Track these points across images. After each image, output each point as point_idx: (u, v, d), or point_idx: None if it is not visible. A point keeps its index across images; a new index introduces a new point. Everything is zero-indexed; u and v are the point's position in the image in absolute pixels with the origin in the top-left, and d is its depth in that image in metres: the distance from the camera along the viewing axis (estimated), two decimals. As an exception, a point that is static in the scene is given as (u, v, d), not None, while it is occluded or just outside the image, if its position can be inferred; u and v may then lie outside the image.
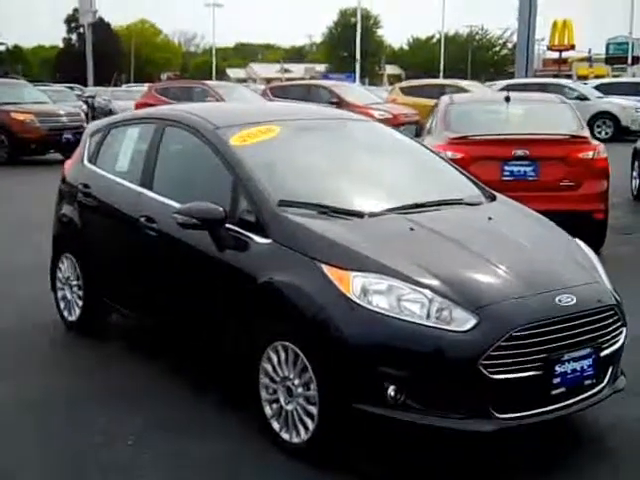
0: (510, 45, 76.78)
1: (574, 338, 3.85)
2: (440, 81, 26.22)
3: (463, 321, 3.69)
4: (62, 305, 6.03)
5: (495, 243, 4.30)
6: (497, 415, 3.71)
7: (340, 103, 21.03)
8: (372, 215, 4.35)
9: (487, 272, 3.97)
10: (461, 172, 5.28)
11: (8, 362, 5.38)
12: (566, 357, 3.81)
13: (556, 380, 3.80)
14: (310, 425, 3.91)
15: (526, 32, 25.00)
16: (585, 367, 3.90)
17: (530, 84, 22.04)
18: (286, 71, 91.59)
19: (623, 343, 4.18)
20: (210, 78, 63.53)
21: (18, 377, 5.10)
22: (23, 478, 3.88)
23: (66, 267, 5.95)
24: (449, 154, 8.29)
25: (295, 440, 3.99)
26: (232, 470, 3.93)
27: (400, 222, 4.29)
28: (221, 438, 4.21)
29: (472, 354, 3.63)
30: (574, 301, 3.89)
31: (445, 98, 9.82)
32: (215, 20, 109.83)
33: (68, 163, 6.24)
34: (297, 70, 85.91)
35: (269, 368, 4.10)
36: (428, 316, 3.70)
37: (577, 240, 4.67)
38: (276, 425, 4.09)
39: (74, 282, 5.85)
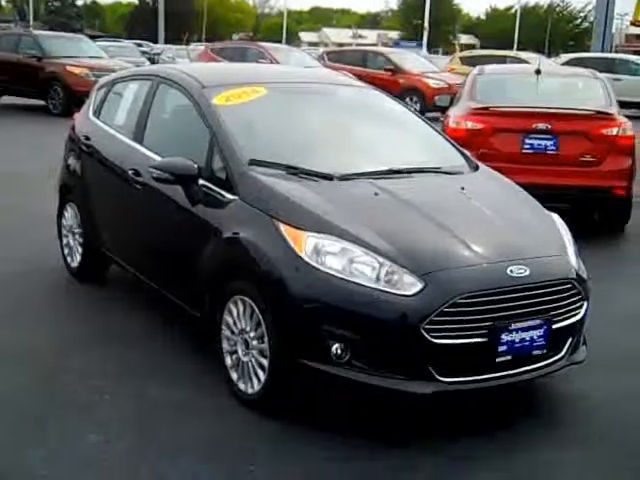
0: (592, 18, 74.83)
1: (524, 308, 3.87)
2: (500, 52, 25.69)
3: (409, 286, 3.74)
4: (66, 251, 6.26)
5: (459, 212, 4.32)
6: (440, 379, 3.77)
7: (395, 70, 20.96)
8: (342, 178, 4.41)
9: (441, 240, 4.00)
10: (449, 142, 5.28)
11: (8, 304, 5.60)
12: (513, 326, 3.84)
13: (502, 348, 3.83)
14: (262, 377, 4.03)
15: (604, 5, 24.36)
16: (535, 337, 3.93)
17: (596, 58, 21.55)
18: (359, 37, 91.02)
19: (583, 317, 4.20)
20: (281, 41, 63.66)
21: (13, 320, 5.34)
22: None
23: (69, 215, 6.15)
24: (469, 124, 8.30)
25: (249, 391, 4.12)
26: (187, 412, 4.09)
27: (367, 187, 4.34)
28: (182, 385, 4.36)
29: (415, 318, 3.68)
30: (526, 272, 3.91)
31: (476, 69, 9.72)
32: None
33: (77, 115, 6.42)
34: (370, 36, 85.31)
35: (230, 320, 4.22)
36: (378, 279, 3.76)
37: (553, 216, 4.65)
38: (234, 375, 4.22)
39: (76, 230, 6.05)
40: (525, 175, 8.02)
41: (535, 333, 3.92)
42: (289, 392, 4.04)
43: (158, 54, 35.41)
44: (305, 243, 3.88)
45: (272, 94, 5.03)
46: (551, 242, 4.31)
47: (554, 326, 3.99)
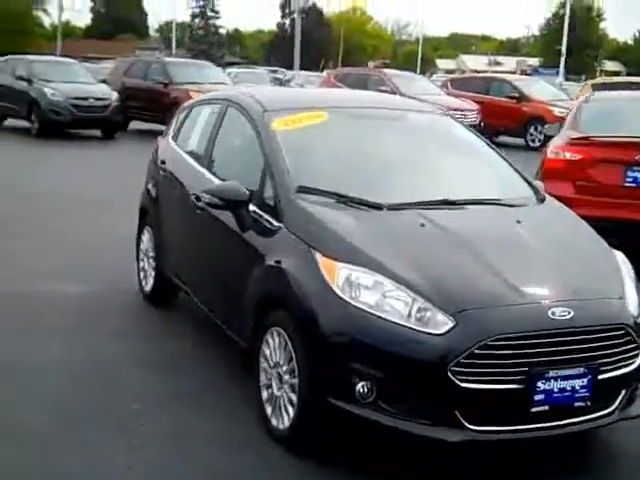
0: None
1: (565, 355, 3.61)
2: (636, 79, 24.66)
3: (440, 324, 3.57)
4: (141, 275, 6.35)
5: (508, 248, 4.10)
6: (468, 426, 3.56)
7: (520, 98, 20.49)
8: (391, 208, 4.27)
9: (481, 276, 3.80)
10: (518, 172, 5.05)
11: (81, 322, 5.75)
12: (552, 374, 3.59)
13: (538, 397, 3.58)
14: (291, 413, 3.93)
15: None
16: (577, 387, 3.65)
17: None
18: (496, 63, 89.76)
19: (638, 367, 3.86)
20: (416, 68, 63.67)
21: (80, 336, 5.46)
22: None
23: (146, 239, 6.26)
24: (567, 155, 7.97)
25: (280, 427, 4.02)
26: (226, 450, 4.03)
27: (415, 217, 4.18)
28: (218, 414, 4.32)
29: (442, 359, 3.50)
30: (570, 315, 3.65)
31: (584, 96, 9.32)
32: (429, 8, 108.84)
33: (160, 139, 6.53)
34: (508, 63, 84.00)
35: (267, 352, 4.14)
36: (409, 316, 3.60)
37: (618, 255, 4.35)
38: (269, 410, 4.13)
39: (150, 254, 6.14)
40: (626, 210, 7.66)
41: (577, 382, 3.65)
42: (318, 430, 3.91)
43: (289, 80, 36.02)
44: (338, 274, 3.77)
45: (333, 119, 4.96)
46: (607, 283, 4.03)
47: (601, 376, 3.70)
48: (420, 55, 72.22)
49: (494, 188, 4.85)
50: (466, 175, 4.97)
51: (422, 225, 4.11)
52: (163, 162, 6.04)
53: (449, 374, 3.48)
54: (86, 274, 6.86)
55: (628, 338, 3.79)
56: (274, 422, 4.06)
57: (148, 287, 6.21)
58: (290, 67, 49.26)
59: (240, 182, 4.60)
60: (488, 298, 3.68)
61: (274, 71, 48.72)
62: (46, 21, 77.70)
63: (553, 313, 3.63)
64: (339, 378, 3.68)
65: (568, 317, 3.64)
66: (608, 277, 4.08)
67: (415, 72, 50.37)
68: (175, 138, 6.13)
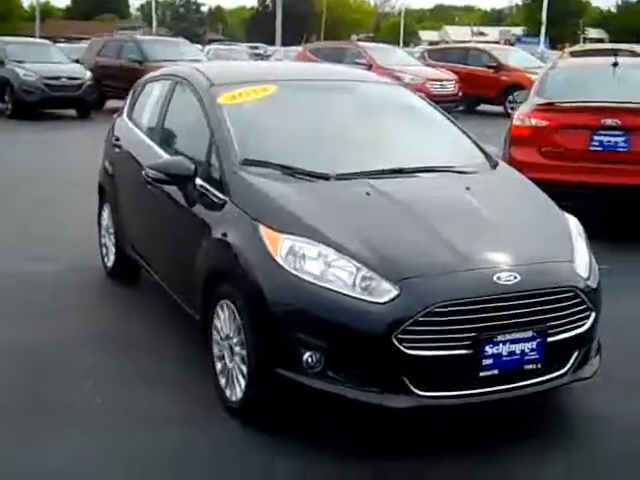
0: None
1: (512, 319, 3.58)
2: (613, 46, 24.57)
3: (384, 293, 3.52)
4: (103, 252, 6.31)
5: (455, 215, 4.05)
6: (417, 392, 3.53)
7: (498, 66, 20.41)
8: (339, 178, 4.22)
9: (426, 244, 3.76)
10: (472, 140, 4.99)
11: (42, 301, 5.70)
12: (500, 338, 3.56)
13: (486, 362, 3.56)
14: (243, 385, 3.89)
15: None
16: (527, 350, 3.63)
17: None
18: (480, 34, 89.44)
19: (591, 329, 3.85)
20: (398, 40, 63.33)
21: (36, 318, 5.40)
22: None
23: (106, 215, 6.20)
24: (533, 121, 7.93)
25: (233, 398, 3.99)
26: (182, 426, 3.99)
27: (361, 186, 4.14)
28: (170, 391, 4.29)
29: (387, 327, 3.46)
30: (517, 279, 3.62)
31: (550, 63, 9.26)
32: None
33: (115, 116, 6.45)
34: (492, 33, 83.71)
35: (219, 325, 4.10)
36: (354, 285, 3.56)
37: (570, 219, 4.32)
38: (222, 381, 4.10)
39: (110, 230, 6.09)
40: (593, 174, 7.62)
41: (526, 346, 3.63)
42: (268, 401, 3.87)
43: (269, 56, 35.83)
44: (281, 245, 3.72)
45: (283, 92, 4.89)
46: (555, 247, 3.99)
47: (551, 339, 3.67)
48: (402, 27, 71.68)
49: (446, 156, 4.79)
50: (418, 144, 4.93)
51: (367, 194, 4.07)
52: (117, 139, 5.98)
53: (394, 342, 3.45)
54: (52, 253, 6.79)
55: (577, 300, 3.76)
56: (228, 393, 4.03)
57: (110, 263, 6.17)
58: (272, 43, 48.94)
59: (188, 157, 4.56)
60: (432, 265, 3.65)
61: (255, 47, 48.49)
62: (25, 3, 76.98)
63: (499, 278, 3.60)
64: (286, 349, 3.65)
65: (514, 282, 3.61)
66: (556, 241, 4.04)
67: (397, 45, 50.26)
68: (129, 115, 6.07)
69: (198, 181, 4.40)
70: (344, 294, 3.54)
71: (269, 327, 3.70)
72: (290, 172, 4.23)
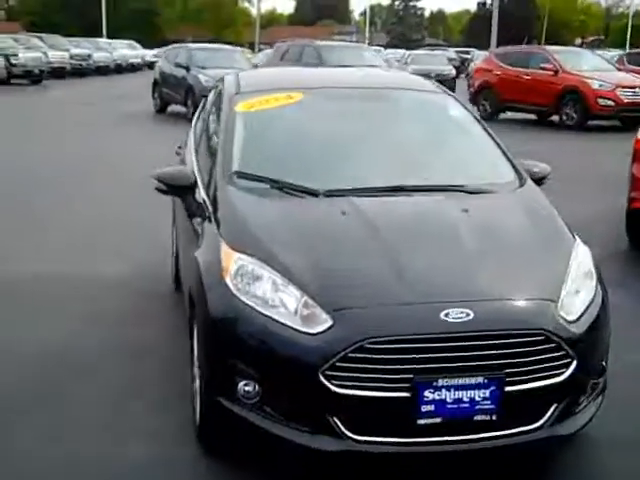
0: None
1: (460, 362, 3.19)
2: None
3: (319, 323, 3.25)
4: (172, 260, 6.35)
5: (429, 242, 3.68)
6: (350, 436, 3.23)
7: (556, 70, 18.78)
8: (328, 194, 3.97)
9: (377, 273, 3.43)
10: (506, 157, 4.52)
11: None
12: (442, 383, 3.17)
13: (426, 408, 3.18)
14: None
15: None
16: (477, 399, 3.21)
17: None
18: None
19: (571, 379, 3.34)
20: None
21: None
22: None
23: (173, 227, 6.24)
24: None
25: (196, 421, 3.86)
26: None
27: (343, 206, 3.85)
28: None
29: (314, 361, 3.19)
30: (468, 318, 3.21)
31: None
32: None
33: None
34: None
35: (194, 347, 3.98)
36: (295, 313, 3.31)
37: (580, 251, 3.79)
38: (194, 403, 3.98)
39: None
40: None
41: (477, 393, 3.21)
42: (218, 432, 3.69)
43: (472, 60, 35.20)
44: (232, 265, 3.54)
45: (307, 100, 4.68)
46: (534, 285, 3.51)
47: (511, 388, 3.23)
48: (630, 29, 67.79)
49: (464, 173, 4.37)
50: (437, 159, 4.53)
51: (343, 213, 3.79)
52: (180, 147, 6.00)
53: (321, 378, 3.16)
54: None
55: (550, 345, 3.29)
56: (194, 416, 3.91)
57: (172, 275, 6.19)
58: (488, 47, 47.99)
59: (204, 167, 4.46)
60: (372, 296, 3.32)
61: (464, 52, 47.78)
62: (255, 10, 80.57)
63: (447, 315, 3.21)
64: (224, 376, 3.45)
65: (464, 320, 3.21)
66: (541, 278, 3.55)
67: (625, 48, 47.57)
68: (194, 124, 6.07)
69: (201, 193, 4.30)
70: (280, 322, 3.30)
71: (212, 351, 3.54)
72: (279, 186, 4.03)
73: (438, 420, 3.21)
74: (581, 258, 3.74)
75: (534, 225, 3.94)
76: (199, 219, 4.22)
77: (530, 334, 3.27)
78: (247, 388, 3.35)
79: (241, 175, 4.12)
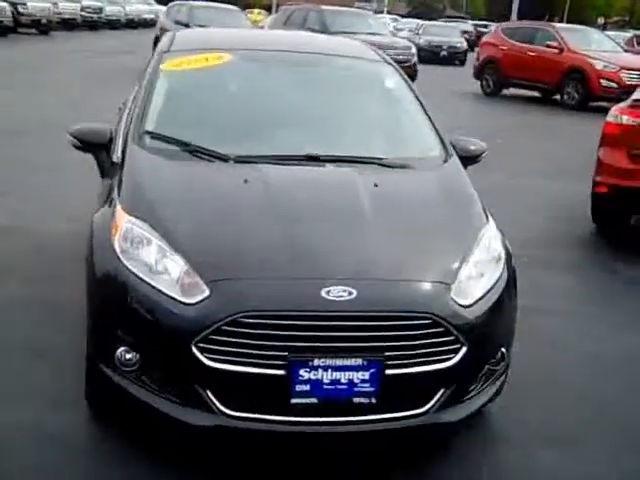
0: None
1: (339, 342, 3.06)
2: None
3: (197, 293, 3.13)
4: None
5: (328, 215, 3.55)
6: (224, 411, 3.12)
7: (561, 48, 18.42)
8: (238, 160, 3.84)
9: (264, 245, 3.31)
10: (435, 131, 4.36)
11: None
12: (318, 362, 3.05)
13: (301, 387, 3.07)
14: None
15: None
16: (356, 381, 3.09)
17: None
18: None
19: (460, 365, 3.20)
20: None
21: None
22: None
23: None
24: (624, 118, 6.93)
25: None
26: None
27: (247, 172, 3.72)
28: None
29: (187, 332, 3.07)
30: (351, 296, 3.09)
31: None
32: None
33: None
34: None
35: None
36: (177, 282, 3.19)
37: (490, 235, 3.64)
38: None
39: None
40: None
41: (356, 376, 3.09)
42: (101, 397, 3.59)
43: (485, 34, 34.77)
44: (120, 228, 3.42)
45: (236, 62, 4.53)
46: (430, 266, 3.38)
47: (392, 371, 3.11)
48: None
49: (386, 147, 4.24)
50: (361, 131, 4.38)
51: (245, 181, 3.65)
52: (123, 104, 5.78)
53: (194, 350, 3.05)
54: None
55: (438, 330, 3.16)
56: None
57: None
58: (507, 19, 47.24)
59: (124, 126, 4.32)
60: (253, 269, 3.20)
61: (483, 26, 47.17)
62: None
63: (328, 292, 3.08)
64: (104, 341, 3.35)
65: (345, 298, 3.08)
66: (438, 259, 3.41)
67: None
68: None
69: (117, 152, 4.14)
70: (160, 290, 3.18)
71: (94, 314, 3.44)
72: (190, 149, 3.90)
73: (314, 400, 3.09)
74: (489, 241, 3.60)
75: (445, 205, 3.80)
76: (108, 179, 4.10)
77: (415, 317, 3.14)
78: (127, 356, 3.24)
79: (153, 136, 3.99)
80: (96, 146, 4.21)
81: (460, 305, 3.25)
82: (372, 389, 3.11)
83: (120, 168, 3.86)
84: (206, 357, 3.05)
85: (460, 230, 3.61)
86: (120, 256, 3.32)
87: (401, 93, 4.65)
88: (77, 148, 4.30)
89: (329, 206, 3.63)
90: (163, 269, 3.24)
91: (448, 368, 3.20)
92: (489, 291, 3.40)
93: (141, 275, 3.24)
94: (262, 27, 20.49)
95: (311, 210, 3.56)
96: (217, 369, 3.06)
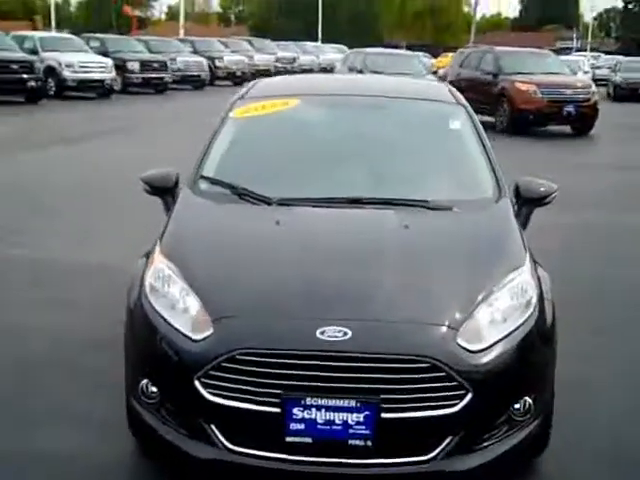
0: None
1: (332, 382, 3.07)
2: None
3: (204, 330, 3.26)
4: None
5: (346, 257, 3.58)
6: (226, 445, 3.21)
7: None
8: (281, 203, 3.97)
9: (274, 285, 3.39)
10: (495, 175, 4.27)
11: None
12: (311, 402, 3.08)
13: (295, 426, 3.10)
14: None
15: None
16: (351, 423, 3.08)
17: None
18: None
19: (465, 412, 3.11)
20: None
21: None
22: None
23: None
24: None
25: None
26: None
27: (283, 215, 3.84)
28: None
29: (191, 367, 3.20)
30: (345, 337, 3.09)
31: None
32: None
33: None
34: None
35: None
36: (194, 320, 3.32)
37: (521, 276, 3.51)
38: None
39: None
40: None
41: (350, 417, 3.08)
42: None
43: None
44: (151, 268, 3.63)
45: (300, 107, 4.66)
46: (435, 309, 3.29)
47: (389, 415, 3.07)
48: None
49: (435, 188, 4.20)
50: (412, 173, 4.34)
51: (277, 223, 3.76)
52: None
53: (197, 384, 3.17)
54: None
55: (438, 374, 3.08)
56: None
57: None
58: None
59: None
60: (255, 308, 3.28)
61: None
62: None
63: (322, 332, 3.11)
64: (132, 374, 3.56)
65: (340, 339, 3.09)
66: (448, 303, 3.32)
67: None
68: None
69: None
70: (174, 327, 3.33)
71: (126, 348, 3.64)
72: (237, 193, 4.07)
73: (309, 440, 3.11)
74: (520, 285, 3.47)
75: (475, 247, 3.72)
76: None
77: (412, 360, 3.08)
78: (152, 389, 3.41)
79: (205, 179, 4.20)
80: (162, 190, 4.46)
81: (467, 350, 3.16)
82: (367, 432, 3.09)
83: (171, 212, 4.08)
84: (208, 392, 3.16)
85: (484, 273, 3.50)
86: (148, 294, 3.52)
87: (464, 134, 4.58)
88: (148, 193, 4.57)
89: (350, 248, 3.65)
90: (184, 308, 3.39)
91: (453, 415, 3.11)
92: (507, 336, 3.27)
93: (162, 312, 3.41)
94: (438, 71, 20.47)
95: (330, 252, 3.60)
96: (218, 404, 3.15)
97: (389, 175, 4.30)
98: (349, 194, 4.01)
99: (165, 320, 3.37)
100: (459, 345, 3.16)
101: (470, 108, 4.77)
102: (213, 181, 4.19)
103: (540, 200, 4.35)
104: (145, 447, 3.68)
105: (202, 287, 3.40)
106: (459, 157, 4.50)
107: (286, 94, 4.83)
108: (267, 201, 3.97)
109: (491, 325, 3.27)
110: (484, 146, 4.46)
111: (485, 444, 3.25)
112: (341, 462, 3.14)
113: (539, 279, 3.65)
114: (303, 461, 3.14)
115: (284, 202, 3.95)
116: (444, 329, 3.19)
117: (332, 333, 3.11)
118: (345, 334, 3.10)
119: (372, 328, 3.17)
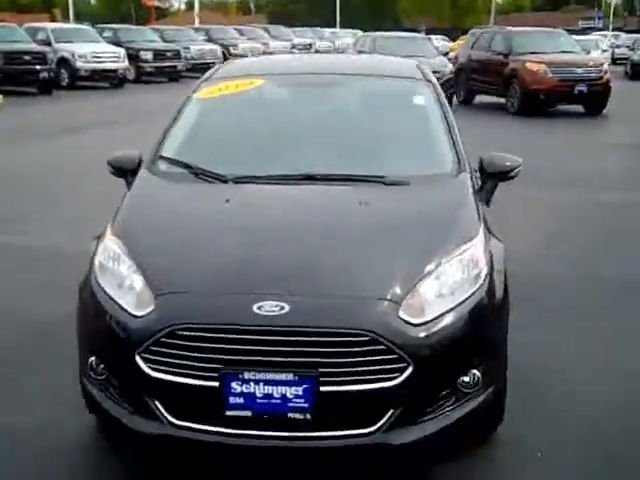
0: None
1: (269, 356, 3.06)
2: None
3: (146, 307, 3.27)
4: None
5: (294, 234, 3.58)
6: (171, 420, 3.22)
7: None
8: (236, 181, 3.97)
9: (213, 262, 3.40)
10: (455, 150, 4.23)
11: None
12: (249, 376, 3.07)
13: (235, 400, 3.09)
14: None
15: None
16: (289, 396, 3.08)
17: None
18: None
19: (406, 385, 3.08)
20: None
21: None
22: None
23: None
24: None
25: None
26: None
27: (234, 192, 3.85)
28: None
29: (132, 343, 3.21)
30: (283, 311, 3.08)
31: None
32: None
33: None
34: None
35: None
36: (138, 297, 3.32)
37: (471, 250, 3.47)
38: None
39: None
40: None
41: (289, 390, 3.07)
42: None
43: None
44: (101, 246, 3.66)
45: (264, 87, 4.68)
46: (380, 284, 3.25)
47: (328, 388, 3.05)
48: None
49: (393, 164, 4.16)
50: (370, 149, 4.32)
51: (227, 201, 3.77)
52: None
53: (138, 360, 3.18)
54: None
55: (378, 347, 3.06)
56: None
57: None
58: None
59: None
60: (195, 283, 3.28)
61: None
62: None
63: (259, 307, 3.10)
64: (81, 350, 3.59)
65: (276, 313, 3.08)
66: (392, 277, 3.27)
67: None
68: None
69: None
70: (118, 303, 3.34)
71: (77, 326, 3.65)
72: (193, 172, 4.08)
73: (248, 413, 3.11)
74: (470, 258, 3.44)
75: (430, 221, 3.69)
76: None
77: (350, 334, 3.06)
78: (99, 365, 3.43)
79: (164, 159, 4.22)
80: (126, 172, 4.47)
81: (409, 323, 3.13)
82: (306, 405, 3.07)
83: (126, 192, 4.10)
84: (149, 367, 3.16)
85: (434, 246, 3.46)
86: (97, 272, 3.54)
87: (428, 110, 4.54)
88: (112, 173, 4.59)
89: (298, 225, 3.65)
90: (130, 285, 3.40)
91: (393, 388, 3.08)
92: (453, 309, 3.24)
93: (109, 290, 3.43)
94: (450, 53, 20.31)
95: (277, 229, 3.59)
96: (160, 379, 3.16)
97: (347, 152, 4.28)
98: (305, 171, 3.99)
99: (111, 298, 3.39)
100: (400, 318, 3.13)
101: (438, 85, 4.73)
102: (172, 161, 4.20)
103: (503, 174, 4.31)
104: (98, 424, 3.70)
105: (148, 265, 3.40)
106: (420, 133, 4.46)
107: (251, 74, 4.83)
108: (222, 179, 3.97)
109: (437, 298, 3.25)
110: (447, 122, 4.42)
111: (429, 417, 3.22)
112: (281, 435, 3.13)
113: (491, 251, 3.62)
114: (244, 434, 3.14)
115: (239, 180, 3.96)
116: (385, 303, 3.16)
117: (269, 308, 3.10)
118: (282, 308, 3.09)
119: (311, 303, 3.15)
